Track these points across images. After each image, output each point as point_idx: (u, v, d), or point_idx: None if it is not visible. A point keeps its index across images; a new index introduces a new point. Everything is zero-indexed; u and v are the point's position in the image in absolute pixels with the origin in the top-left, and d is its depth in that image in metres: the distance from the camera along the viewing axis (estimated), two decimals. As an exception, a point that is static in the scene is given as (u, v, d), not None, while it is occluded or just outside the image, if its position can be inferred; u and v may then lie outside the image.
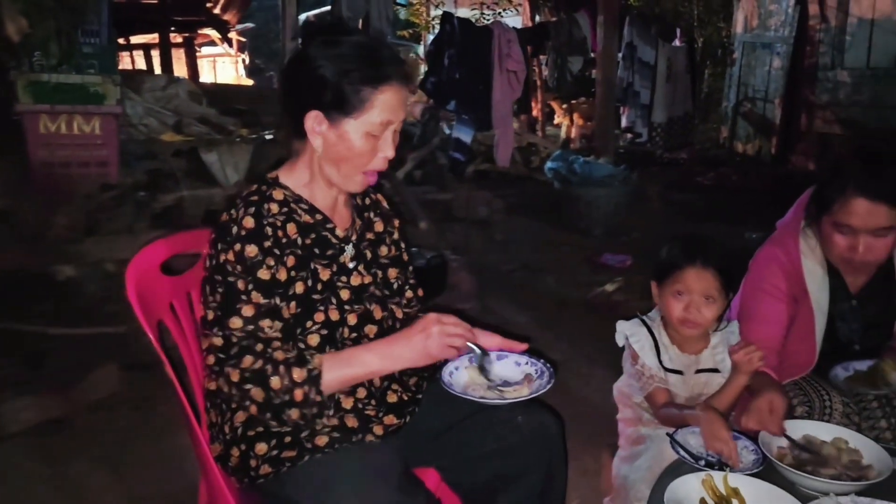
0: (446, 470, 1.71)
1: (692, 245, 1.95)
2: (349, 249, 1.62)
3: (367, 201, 1.76)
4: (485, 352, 1.61)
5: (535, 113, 10.20)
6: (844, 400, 1.95)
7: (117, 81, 4.99)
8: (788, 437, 1.73)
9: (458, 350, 1.53)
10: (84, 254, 4.29)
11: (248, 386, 1.40)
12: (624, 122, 8.98)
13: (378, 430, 1.59)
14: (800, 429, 1.79)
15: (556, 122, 11.23)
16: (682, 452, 1.71)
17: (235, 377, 1.40)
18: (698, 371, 2.00)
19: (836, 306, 2.07)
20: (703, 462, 1.67)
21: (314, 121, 1.51)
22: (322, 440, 1.52)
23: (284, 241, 1.50)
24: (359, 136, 1.50)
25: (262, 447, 1.50)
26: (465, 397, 1.56)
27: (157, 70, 10.80)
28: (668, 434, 1.78)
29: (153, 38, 11.42)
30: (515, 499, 1.68)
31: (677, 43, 9.32)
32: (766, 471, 1.64)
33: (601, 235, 6.25)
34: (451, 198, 6.73)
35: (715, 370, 1.99)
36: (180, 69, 11.69)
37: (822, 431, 1.77)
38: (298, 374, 1.40)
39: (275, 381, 1.39)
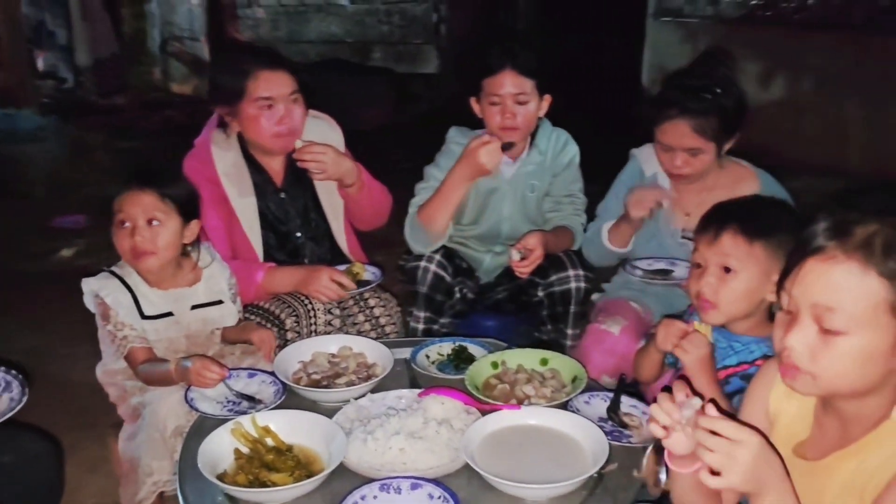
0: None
1: (137, 171, 1.84)
2: None
3: None
4: None
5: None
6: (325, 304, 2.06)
7: None
8: None
9: None
10: None
11: None
12: (42, 66, 8.05)
13: None
14: (313, 346, 1.84)
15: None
16: (198, 406, 1.60)
17: None
18: (195, 307, 1.89)
19: (266, 199, 2.19)
20: (227, 410, 1.60)
21: None
22: None
23: None
24: None
25: None
26: None
27: None
28: (185, 393, 1.65)
29: None
30: None
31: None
32: (290, 398, 1.65)
33: (46, 197, 5.62)
34: None
35: (216, 302, 1.93)
36: None
37: (331, 344, 1.85)
38: None
39: None
